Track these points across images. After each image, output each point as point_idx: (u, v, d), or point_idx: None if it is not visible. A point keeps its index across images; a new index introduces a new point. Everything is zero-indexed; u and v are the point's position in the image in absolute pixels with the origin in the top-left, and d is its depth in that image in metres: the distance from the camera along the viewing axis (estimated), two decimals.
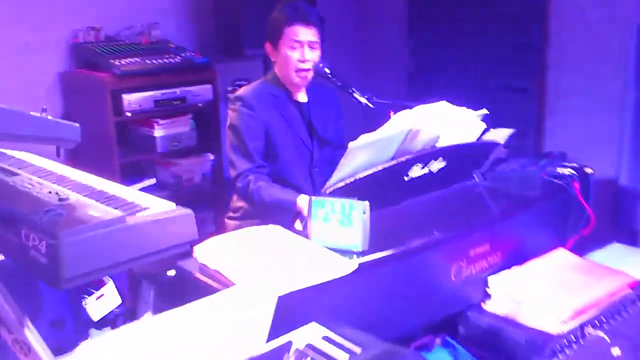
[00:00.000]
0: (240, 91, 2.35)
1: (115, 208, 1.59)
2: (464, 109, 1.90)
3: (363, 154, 1.63)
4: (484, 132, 1.99)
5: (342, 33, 4.30)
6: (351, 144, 1.54)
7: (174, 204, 1.62)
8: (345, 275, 1.43)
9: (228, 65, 3.55)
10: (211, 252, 1.49)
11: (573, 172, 2.12)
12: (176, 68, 3.09)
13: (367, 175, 1.65)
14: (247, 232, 1.61)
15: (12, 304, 1.92)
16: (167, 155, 3.22)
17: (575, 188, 2.08)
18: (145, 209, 1.61)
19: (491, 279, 1.79)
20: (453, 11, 3.96)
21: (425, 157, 1.78)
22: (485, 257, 1.79)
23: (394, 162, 1.68)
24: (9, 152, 2.00)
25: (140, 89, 2.99)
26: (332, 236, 1.55)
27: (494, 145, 2.03)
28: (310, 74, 2.26)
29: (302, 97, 2.38)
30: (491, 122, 2.00)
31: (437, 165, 1.86)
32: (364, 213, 1.52)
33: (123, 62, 2.95)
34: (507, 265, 1.85)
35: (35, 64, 3.14)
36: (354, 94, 2.19)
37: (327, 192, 1.59)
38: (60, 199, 1.64)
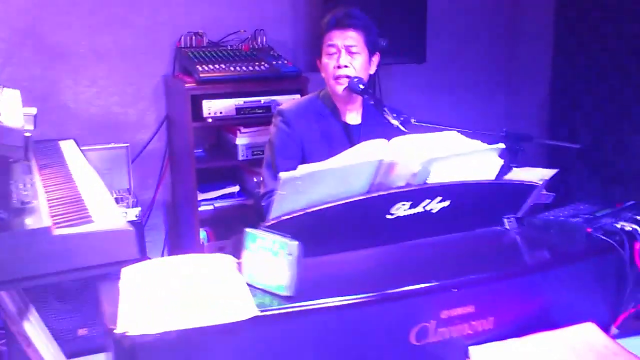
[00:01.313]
0: (284, 105, 2.25)
1: (61, 216, 1.58)
2: (476, 142, 1.60)
3: (318, 185, 1.43)
4: (506, 171, 1.67)
5: (489, 49, 4.06)
6: (282, 175, 1.36)
7: (125, 220, 1.58)
8: (246, 325, 1.25)
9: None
10: (132, 277, 1.41)
11: (637, 227, 1.70)
12: (262, 76, 3.05)
13: (324, 210, 1.45)
14: (182, 260, 1.49)
15: (14, 297, 2.01)
16: (252, 163, 3.21)
17: (635, 250, 1.66)
18: (89, 222, 1.57)
19: (472, 350, 1.48)
20: (603, 30, 3.48)
21: (408, 194, 1.52)
22: (468, 321, 1.48)
23: (353, 199, 1.45)
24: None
25: (223, 95, 3.01)
26: (260, 274, 1.38)
27: (525, 186, 1.70)
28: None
29: (353, 117, 2.21)
30: None
31: (436, 204, 1.59)
32: (290, 255, 1.33)
33: (206, 68, 2.99)
34: (503, 335, 1.52)
35: (143, 66, 3.33)
36: (385, 114, 1.98)
37: (267, 225, 1.42)
38: (22, 202, 1.67)
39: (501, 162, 1.62)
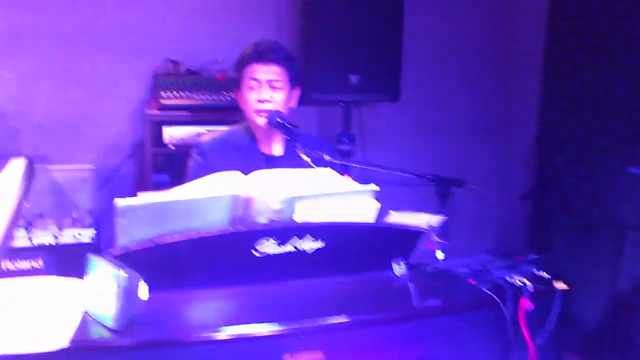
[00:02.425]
0: (203, 137, 2.23)
1: None
2: (350, 182, 1.55)
3: (166, 217, 1.40)
4: (382, 214, 1.61)
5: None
6: (117, 202, 1.34)
7: None
8: (56, 356, 1.22)
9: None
10: None
11: (527, 283, 1.60)
12: (222, 106, 3.07)
13: (177, 243, 1.42)
14: (29, 283, 1.48)
15: None
16: None
17: (520, 306, 1.57)
18: None
19: None
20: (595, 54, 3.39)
21: (269, 232, 1.47)
22: None
23: (201, 234, 1.41)
24: None
25: (185, 123, 3.03)
26: (96, 303, 1.35)
27: (409, 231, 1.63)
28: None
29: (275, 149, 2.18)
30: None
31: (310, 245, 1.54)
32: (119, 287, 1.30)
33: (170, 95, 3.02)
34: None
35: (123, 91, 3.39)
36: (297, 149, 1.94)
37: (115, 254, 1.40)
38: None
39: (377, 205, 1.56)
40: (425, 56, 3.77)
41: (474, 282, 1.59)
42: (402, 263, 1.67)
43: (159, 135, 3.03)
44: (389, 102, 3.32)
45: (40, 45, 3.22)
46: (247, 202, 1.44)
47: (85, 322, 1.33)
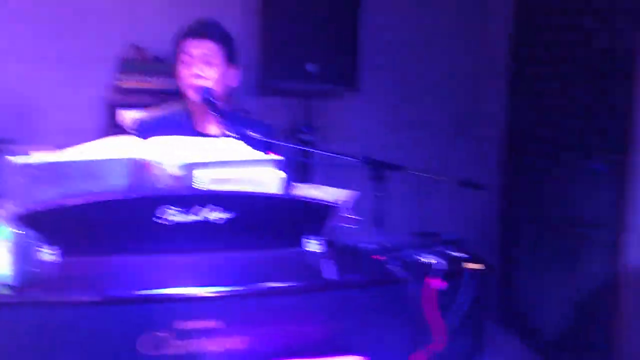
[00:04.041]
0: (142, 114, 2.24)
1: None
2: (256, 152, 1.54)
3: (63, 178, 1.40)
4: (288, 186, 1.60)
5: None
6: (13, 159, 1.33)
7: None
8: None
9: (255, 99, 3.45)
10: None
11: (435, 261, 1.59)
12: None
13: (76, 205, 1.41)
14: None
15: None
16: None
17: (428, 284, 1.56)
18: None
19: None
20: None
21: (168, 198, 1.46)
22: (215, 336, 1.40)
23: (95, 197, 1.40)
24: None
25: (140, 106, 3.03)
26: None
27: (320, 205, 1.61)
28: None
29: (212, 129, 2.18)
30: None
31: (215, 215, 1.53)
32: (12, 245, 1.30)
33: (126, 79, 3.03)
34: (259, 357, 1.43)
35: (93, 76, 3.41)
36: (225, 128, 1.94)
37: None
38: None
39: (282, 175, 1.55)
40: (390, 47, 3.76)
41: (382, 259, 1.58)
42: (312, 239, 1.66)
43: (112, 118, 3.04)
44: (348, 91, 3.33)
45: (8, 27, 3.24)
46: (145, 167, 1.43)
47: None
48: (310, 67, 3.04)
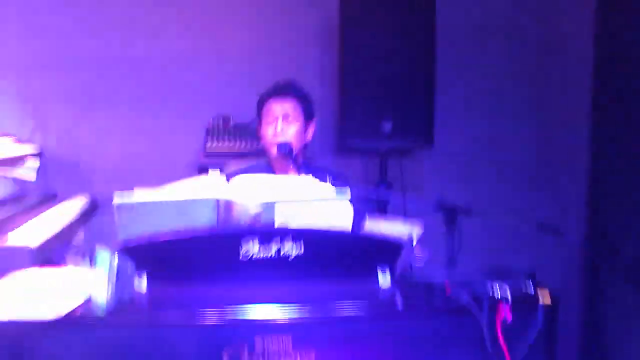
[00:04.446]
0: (229, 168, 2.43)
1: None
2: (328, 187, 1.67)
3: (156, 215, 1.58)
4: (359, 219, 1.71)
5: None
6: (116, 197, 1.53)
7: None
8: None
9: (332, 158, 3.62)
10: None
11: (503, 293, 1.63)
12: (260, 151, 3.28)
13: (170, 241, 1.58)
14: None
15: None
16: None
17: (497, 316, 1.60)
18: None
19: None
20: None
21: (251, 233, 1.60)
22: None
23: (182, 232, 1.57)
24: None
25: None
26: (95, 287, 1.53)
27: (389, 242, 1.71)
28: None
29: None
30: None
31: (291, 249, 1.66)
32: (111, 272, 1.48)
33: (214, 144, 3.30)
34: None
35: (183, 144, 3.72)
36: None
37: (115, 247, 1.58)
38: None
39: (350, 209, 1.66)
40: (461, 103, 3.85)
41: (450, 289, 1.64)
42: (386, 272, 1.75)
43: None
44: (423, 148, 3.42)
45: (114, 103, 3.63)
46: (228, 206, 1.59)
47: (87, 301, 1.51)
48: (385, 125, 3.16)
